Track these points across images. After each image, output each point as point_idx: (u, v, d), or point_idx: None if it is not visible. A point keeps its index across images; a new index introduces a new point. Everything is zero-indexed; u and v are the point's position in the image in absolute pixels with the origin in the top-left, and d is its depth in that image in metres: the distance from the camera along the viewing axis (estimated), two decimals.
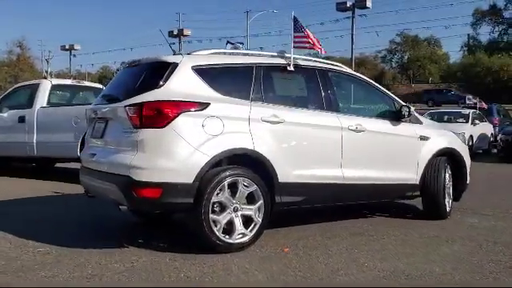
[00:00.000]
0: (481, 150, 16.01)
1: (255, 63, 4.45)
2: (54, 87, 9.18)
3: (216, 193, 3.93)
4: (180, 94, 3.97)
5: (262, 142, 4.16)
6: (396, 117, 5.14)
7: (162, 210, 4.38)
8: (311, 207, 4.82)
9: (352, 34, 35.20)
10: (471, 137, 14.52)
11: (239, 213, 4.06)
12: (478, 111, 17.12)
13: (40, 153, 8.67)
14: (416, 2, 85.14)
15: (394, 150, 5.12)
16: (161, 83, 3.99)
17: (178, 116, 3.86)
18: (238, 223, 4.05)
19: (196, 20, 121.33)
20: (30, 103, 8.91)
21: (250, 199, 4.11)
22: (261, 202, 4.13)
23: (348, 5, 34.30)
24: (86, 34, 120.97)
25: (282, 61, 4.64)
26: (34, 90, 9.06)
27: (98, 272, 3.54)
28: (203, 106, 3.97)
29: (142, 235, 4.61)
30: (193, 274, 3.53)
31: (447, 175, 5.42)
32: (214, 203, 3.93)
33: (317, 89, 4.72)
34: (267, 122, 4.24)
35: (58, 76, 39.71)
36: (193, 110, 3.93)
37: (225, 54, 4.58)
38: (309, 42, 4.61)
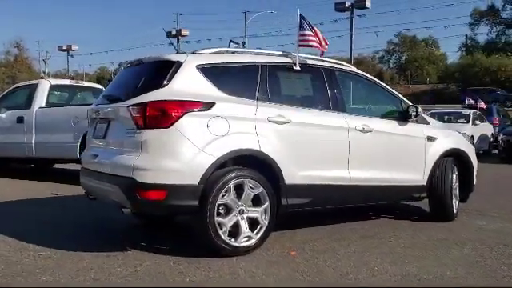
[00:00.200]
0: (481, 151, 15.95)
1: (261, 62, 4.35)
2: (53, 87, 9.06)
3: (221, 195, 3.83)
4: (184, 93, 3.87)
5: (268, 143, 4.06)
6: (403, 117, 5.06)
7: (166, 212, 4.28)
8: (315, 209, 4.72)
9: (351, 35, 35.12)
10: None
11: (245, 215, 3.97)
12: (478, 111, 17.06)
13: (38, 154, 8.55)
14: (415, 2, 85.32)
15: (402, 151, 5.03)
16: (165, 82, 3.89)
17: (182, 116, 3.75)
18: (244, 226, 3.95)
19: (194, 21, 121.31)
20: (28, 103, 8.79)
21: (256, 201, 4.01)
22: (267, 204, 4.03)
23: (347, 5, 34.22)
24: (83, 34, 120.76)
25: (287, 60, 4.54)
26: (32, 90, 8.94)
27: (101, 276, 3.44)
28: (208, 105, 3.87)
29: (145, 238, 4.51)
30: (198, 278, 3.44)
31: (454, 176, 5.34)
32: (219, 205, 3.84)
33: (323, 88, 4.62)
34: (273, 122, 4.14)
35: (56, 76, 39.58)
36: (198, 109, 3.83)
37: (229, 52, 4.48)
38: (315, 41, 4.50)
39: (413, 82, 62.19)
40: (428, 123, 5.33)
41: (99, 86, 10.23)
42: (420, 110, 5.07)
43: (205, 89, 3.98)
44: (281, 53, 4.66)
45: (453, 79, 54.20)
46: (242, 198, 3.94)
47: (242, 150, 3.95)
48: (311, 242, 4.39)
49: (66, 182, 8.23)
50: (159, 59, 4.22)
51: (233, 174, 3.88)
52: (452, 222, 5.28)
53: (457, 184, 5.44)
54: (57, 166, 10.22)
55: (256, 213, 4.00)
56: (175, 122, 3.73)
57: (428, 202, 5.40)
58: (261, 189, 4.00)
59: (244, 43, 4.98)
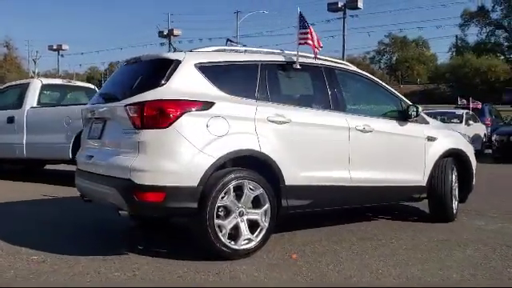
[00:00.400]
0: (474, 151, 15.97)
1: (260, 61, 4.27)
2: (45, 87, 8.91)
3: (221, 196, 3.74)
4: (183, 92, 3.77)
5: (268, 143, 3.98)
6: (403, 117, 4.99)
7: (164, 214, 4.18)
8: (314, 210, 4.64)
9: (343, 35, 35.18)
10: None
11: (245, 217, 3.87)
12: (471, 112, 17.11)
13: (29, 154, 8.39)
14: (407, 3, 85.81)
15: (402, 151, 4.97)
16: (163, 81, 3.78)
17: (181, 116, 3.65)
18: (244, 228, 3.86)
19: (185, 21, 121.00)
20: (19, 103, 8.64)
21: (256, 203, 3.92)
22: (267, 205, 3.94)
23: (339, 5, 34.25)
24: (74, 34, 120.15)
25: (287, 58, 4.46)
26: (23, 89, 8.78)
27: (98, 282, 3.33)
28: (207, 105, 3.78)
29: (141, 240, 4.39)
30: (198, 282, 3.34)
31: (454, 177, 5.29)
32: (218, 207, 3.74)
33: (323, 87, 4.55)
34: (273, 122, 4.05)
35: (46, 76, 39.16)
36: (197, 109, 3.73)
37: (228, 51, 4.39)
38: (312, 40, 4.42)
39: (404, 82, 62.54)
40: (428, 123, 5.27)
41: (92, 86, 10.10)
42: (420, 109, 5.01)
43: (204, 88, 3.88)
44: (280, 51, 4.57)
45: (443, 79, 54.56)
46: (242, 199, 3.85)
47: (242, 151, 3.86)
48: (311, 244, 4.31)
49: (58, 184, 8.11)
50: (157, 57, 4.11)
51: (232, 175, 3.79)
52: (452, 223, 5.23)
53: (456, 184, 5.39)
54: (48, 166, 10.06)
55: (256, 215, 3.91)
56: (174, 121, 3.63)
57: (428, 203, 5.34)
58: (261, 190, 3.91)
59: (245, 45, 4.86)
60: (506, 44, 57.98)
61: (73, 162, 7.60)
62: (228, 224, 3.78)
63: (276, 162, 3.99)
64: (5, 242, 4.25)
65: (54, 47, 55.56)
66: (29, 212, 5.90)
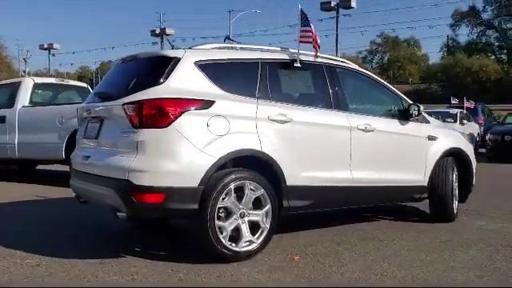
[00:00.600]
0: None
1: (260, 59, 4.18)
2: (37, 86, 8.76)
3: (222, 197, 3.65)
4: (182, 91, 3.67)
5: (270, 143, 3.90)
6: (404, 116, 4.93)
7: (164, 216, 4.08)
8: (315, 211, 4.57)
9: (337, 34, 35.17)
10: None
11: (246, 219, 3.78)
12: (465, 111, 17.15)
13: (22, 154, 8.25)
14: (400, 3, 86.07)
15: (403, 151, 4.90)
16: (161, 80, 3.68)
17: (181, 115, 3.56)
18: (245, 230, 3.77)
19: (178, 20, 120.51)
20: (10, 102, 8.48)
21: (257, 204, 3.84)
22: (268, 206, 3.86)
23: (332, 4, 34.24)
24: (66, 33, 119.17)
25: (288, 56, 4.38)
26: (15, 88, 8.62)
27: (96, 286, 3.23)
28: (208, 104, 3.68)
29: (139, 242, 4.30)
30: (199, 283, 3.25)
31: (454, 176, 5.24)
32: (219, 209, 3.65)
33: (324, 86, 4.47)
34: (274, 121, 3.97)
35: (36, 76, 38.74)
36: (197, 108, 3.64)
37: (228, 48, 4.29)
38: (313, 39, 4.34)
39: (395, 82, 62.71)
40: (428, 122, 5.22)
41: (85, 85, 9.95)
42: (422, 108, 4.95)
43: (204, 86, 3.79)
44: (281, 49, 4.49)
45: (435, 79, 54.79)
46: (243, 200, 3.76)
47: (244, 151, 3.77)
48: (313, 245, 4.23)
49: (50, 184, 7.99)
50: (155, 55, 4.02)
51: (233, 176, 3.70)
52: (452, 223, 5.18)
53: (456, 184, 5.34)
54: (40, 167, 9.91)
55: (257, 216, 3.82)
56: (173, 121, 3.54)
57: (428, 203, 5.29)
58: (262, 191, 3.82)
59: (239, 43, 4.79)
60: (496, 44, 58.35)
61: (66, 162, 7.54)
62: (229, 226, 3.69)
63: (277, 161, 3.91)
64: None
65: (45, 46, 55.11)
66: (22, 213, 5.77)
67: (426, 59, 70.21)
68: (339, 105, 4.46)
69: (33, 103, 8.51)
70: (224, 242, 3.65)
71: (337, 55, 36.40)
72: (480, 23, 58.50)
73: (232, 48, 4.32)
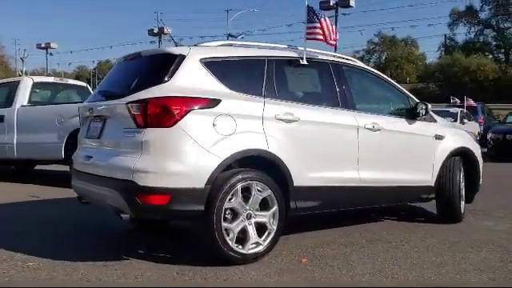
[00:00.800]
0: None
1: (267, 56, 4.08)
2: (36, 85, 8.63)
3: (228, 198, 3.56)
4: (188, 89, 3.58)
5: (276, 143, 3.80)
6: (412, 115, 4.85)
7: (169, 218, 3.98)
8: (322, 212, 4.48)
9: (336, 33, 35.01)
10: None
11: (252, 220, 3.69)
12: (465, 110, 17.10)
13: (20, 154, 8.13)
14: (398, 2, 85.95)
15: (411, 151, 4.82)
16: (166, 78, 3.59)
17: (186, 114, 3.46)
18: (252, 231, 3.68)
19: (176, 19, 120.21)
20: (9, 102, 8.35)
21: (264, 205, 3.75)
22: (275, 207, 3.77)
23: (331, 3, 34.18)
24: (64, 32, 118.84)
25: (294, 54, 4.28)
26: (13, 87, 8.50)
27: (96, 286, 3.14)
28: (214, 102, 3.59)
29: (141, 243, 4.20)
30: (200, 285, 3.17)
31: (461, 176, 5.16)
32: (225, 210, 3.56)
33: (331, 84, 4.38)
34: (281, 120, 3.88)
35: (33, 75, 38.58)
36: (203, 107, 3.54)
37: (234, 45, 4.20)
38: (321, 34, 4.25)
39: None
40: (435, 121, 5.13)
41: (84, 84, 9.84)
42: (430, 107, 4.86)
43: (209, 84, 3.69)
44: (287, 46, 4.40)
45: (432, 78, 54.78)
46: (250, 201, 3.67)
47: (251, 151, 3.68)
48: (319, 247, 4.14)
49: (49, 184, 7.88)
50: (160, 52, 3.92)
51: (240, 176, 3.61)
52: (460, 224, 5.10)
53: (463, 184, 5.26)
54: (38, 167, 9.80)
55: (264, 217, 3.73)
56: (179, 120, 3.44)
57: (435, 203, 5.21)
58: (269, 191, 3.74)
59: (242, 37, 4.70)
60: (494, 43, 58.41)
61: (65, 162, 7.44)
62: (235, 227, 3.60)
63: (284, 162, 3.83)
64: None
65: (43, 45, 54.86)
66: (21, 214, 5.67)
67: (424, 58, 70.25)
68: (346, 103, 4.37)
69: (32, 102, 8.40)
70: (231, 244, 3.56)
71: None
72: (478, 22, 58.54)
73: (238, 45, 4.23)
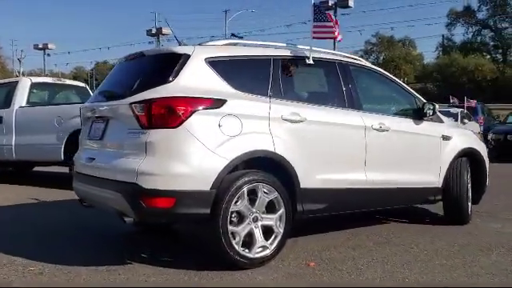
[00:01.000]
0: None
1: (272, 56, 4.00)
2: (34, 85, 8.52)
3: (234, 201, 3.47)
4: (193, 89, 3.49)
5: (283, 144, 3.72)
6: (419, 115, 4.76)
7: (174, 221, 3.89)
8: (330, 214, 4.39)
9: None
10: None
11: (259, 223, 3.61)
12: (465, 110, 17.04)
13: (19, 156, 8.02)
14: (396, 2, 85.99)
15: (418, 152, 4.74)
16: (171, 78, 3.50)
17: (192, 115, 3.37)
18: (259, 235, 3.59)
19: (175, 20, 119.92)
20: (7, 103, 8.24)
21: (271, 208, 3.66)
22: (282, 210, 3.68)
23: (330, 4, 34.14)
24: (61, 33, 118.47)
25: (300, 53, 4.20)
26: (11, 88, 8.38)
27: (96, 286, 3.05)
28: (219, 103, 3.50)
29: (145, 247, 4.10)
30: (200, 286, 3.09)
31: (468, 177, 5.08)
32: (232, 213, 3.47)
33: (338, 84, 4.30)
34: (287, 120, 3.79)
35: (30, 76, 38.40)
36: (208, 107, 3.45)
37: (239, 45, 4.11)
38: (331, 32, 4.16)
39: None
40: (442, 121, 5.05)
41: (83, 84, 9.74)
42: (437, 107, 4.78)
43: (215, 84, 3.60)
44: (293, 46, 4.31)
45: (430, 79, 54.79)
46: (256, 204, 3.58)
47: (257, 152, 3.59)
48: (327, 250, 4.06)
49: (49, 187, 7.78)
50: (163, 52, 3.84)
51: (246, 178, 3.52)
52: (467, 226, 5.02)
53: (470, 185, 5.18)
54: (37, 168, 9.69)
55: (270, 220, 3.65)
56: (184, 121, 3.35)
57: (442, 205, 5.13)
58: (275, 194, 3.65)
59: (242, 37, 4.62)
60: (491, 43, 58.44)
61: (65, 163, 7.34)
62: (242, 231, 3.51)
63: (291, 163, 3.74)
64: None
65: (40, 46, 54.67)
66: (21, 216, 5.57)
67: (421, 59, 70.26)
68: (353, 103, 4.29)
69: (30, 103, 8.29)
70: (237, 248, 3.47)
71: None
72: (475, 23, 58.56)
73: (243, 44, 4.14)
